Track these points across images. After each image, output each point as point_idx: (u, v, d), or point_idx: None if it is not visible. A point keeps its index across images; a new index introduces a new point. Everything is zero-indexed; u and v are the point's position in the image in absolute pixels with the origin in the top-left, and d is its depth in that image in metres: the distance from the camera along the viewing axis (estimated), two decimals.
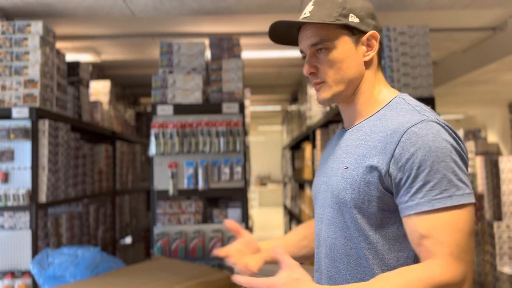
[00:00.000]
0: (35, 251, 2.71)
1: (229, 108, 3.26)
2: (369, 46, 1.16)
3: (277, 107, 9.14)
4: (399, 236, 1.05)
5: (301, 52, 1.21)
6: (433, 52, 4.89)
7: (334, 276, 1.13)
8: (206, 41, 3.69)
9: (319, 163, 1.30)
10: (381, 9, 3.39)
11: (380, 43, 1.19)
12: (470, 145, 7.48)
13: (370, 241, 1.06)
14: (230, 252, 1.23)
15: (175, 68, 3.41)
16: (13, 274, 2.70)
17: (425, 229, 0.97)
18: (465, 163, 1.01)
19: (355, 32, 1.14)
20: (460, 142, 1.04)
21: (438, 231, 0.96)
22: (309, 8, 1.16)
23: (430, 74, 3.18)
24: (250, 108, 7.78)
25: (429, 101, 3.18)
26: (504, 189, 6.17)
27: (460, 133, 7.99)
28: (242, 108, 3.28)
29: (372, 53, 1.16)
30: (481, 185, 6.76)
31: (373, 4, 3.25)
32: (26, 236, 2.72)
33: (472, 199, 0.97)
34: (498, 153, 7.51)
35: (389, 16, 3.65)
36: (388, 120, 1.08)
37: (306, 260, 1.39)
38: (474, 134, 7.93)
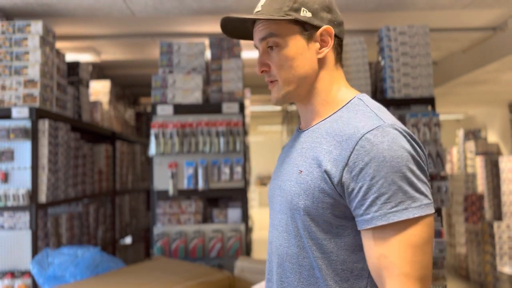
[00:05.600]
0: (35, 251, 2.71)
1: (229, 108, 3.26)
2: (323, 42, 1.07)
3: (277, 107, 9.13)
4: (356, 246, 0.99)
5: (256, 47, 1.13)
6: (433, 52, 4.88)
7: (286, 287, 1.06)
8: (206, 41, 3.68)
9: (276, 165, 1.22)
10: (381, 9, 3.39)
11: (337, 38, 1.10)
12: (470, 145, 7.48)
13: (324, 251, 1.00)
14: None
15: (175, 68, 3.41)
16: (13, 274, 2.70)
17: (379, 246, 0.93)
18: (423, 171, 0.95)
19: (307, 27, 1.06)
20: (419, 149, 0.97)
21: (391, 249, 0.92)
22: (262, 1, 1.08)
23: (430, 74, 3.18)
24: (250, 108, 7.78)
25: (429, 101, 3.18)
26: (504, 189, 6.17)
27: (460, 133, 8.01)
28: (242, 108, 3.27)
29: (327, 50, 1.07)
30: (481, 185, 6.76)
31: (373, 4, 3.26)
32: (26, 236, 2.72)
33: (429, 210, 0.93)
34: (498, 153, 7.51)
35: (389, 16, 3.65)
36: (344, 122, 1.01)
37: None
38: (474, 134, 7.93)
